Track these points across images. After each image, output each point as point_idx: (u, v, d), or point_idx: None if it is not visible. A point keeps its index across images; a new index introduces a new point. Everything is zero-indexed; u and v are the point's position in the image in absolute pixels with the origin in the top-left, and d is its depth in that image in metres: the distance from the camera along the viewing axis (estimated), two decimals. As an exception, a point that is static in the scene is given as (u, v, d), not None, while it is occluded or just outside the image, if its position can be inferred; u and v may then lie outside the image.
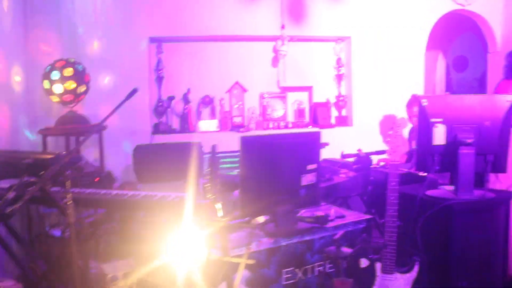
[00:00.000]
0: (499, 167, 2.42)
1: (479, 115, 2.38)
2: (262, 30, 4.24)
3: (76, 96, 3.42)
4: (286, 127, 4.37)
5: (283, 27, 4.20)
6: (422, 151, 2.47)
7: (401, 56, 4.51)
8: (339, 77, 4.55)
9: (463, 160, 2.29)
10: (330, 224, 2.24)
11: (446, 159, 2.39)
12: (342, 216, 2.41)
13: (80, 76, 3.37)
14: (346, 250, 2.22)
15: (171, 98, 4.15)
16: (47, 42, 3.75)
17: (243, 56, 4.39)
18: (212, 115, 4.28)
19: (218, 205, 1.75)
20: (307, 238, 2.14)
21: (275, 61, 4.45)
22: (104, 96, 3.89)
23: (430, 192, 2.44)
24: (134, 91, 1.89)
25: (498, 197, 2.41)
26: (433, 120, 2.41)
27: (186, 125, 4.16)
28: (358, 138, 4.37)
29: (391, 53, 4.49)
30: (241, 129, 4.18)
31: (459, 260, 2.27)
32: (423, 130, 2.44)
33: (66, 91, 3.34)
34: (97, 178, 3.53)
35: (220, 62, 4.35)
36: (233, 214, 2.30)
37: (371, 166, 3.48)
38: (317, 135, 2.36)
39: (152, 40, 4.07)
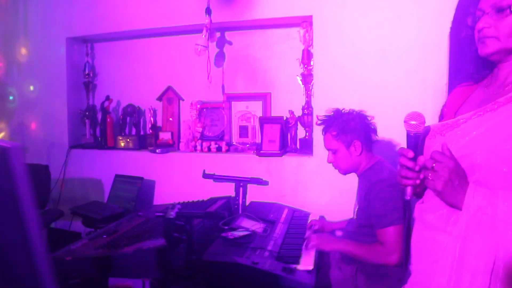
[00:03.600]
0: None
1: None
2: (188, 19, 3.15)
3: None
4: (219, 149, 3.17)
5: (208, 11, 3.00)
6: None
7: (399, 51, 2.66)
8: (306, 79, 3.02)
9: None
10: None
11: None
12: None
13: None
14: None
15: (91, 108, 3.54)
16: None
17: (180, 54, 3.39)
18: (136, 129, 3.46)
19: None
20: None
21: (219, 60, 3.28)
22: (27, 105, 3.62)
23: None
24: None
25: None
26: None
27: (104, 140, 3.48)
28: (317, 177, 2.83)
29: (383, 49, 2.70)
30: (158, 150, 3.23)
31: None
32: None
33: None
34: None
35: (154, 64, 3.47)
36: None
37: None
38: None
39: (76, 40, 3.54)
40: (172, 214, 1.92)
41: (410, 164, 1.20)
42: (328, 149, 2.13)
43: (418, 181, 1.21)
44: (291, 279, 1.71)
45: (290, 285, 1.72)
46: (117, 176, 3.30)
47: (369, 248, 1.92)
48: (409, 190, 1.24)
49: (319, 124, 2.16)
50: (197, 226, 2.21)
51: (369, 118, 2.12)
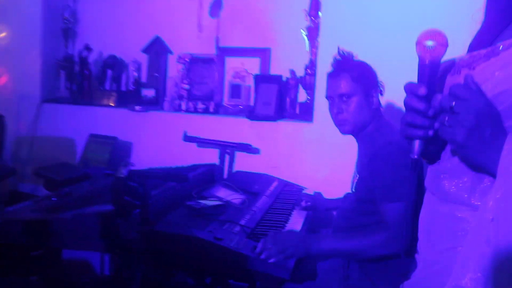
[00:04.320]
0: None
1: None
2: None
3: None
4: (207, 110, 2.75)
5: None
6: None
7: None
8: (312, 34, 2.57)
9: None
10: None
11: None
12: None
13: None
14: None
15: (69, 58, 3.13)
16: None
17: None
18: (117, 84, 3.05)
19: None
20: None
21: (216, 8, 2.84)
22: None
23: None
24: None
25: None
26: None
27: (80, 95, 3.08)
28: (317, 147, 2.41)
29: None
30: (137, 108, 2.82)
31: None
32: None
33: None
34: None
35: (142, 11, 3.04)
36: None
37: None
38: None
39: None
40: (123, 172, 1.52)
41: (420, 105, 0.77)
42: (340, 94, 1.62)
43: (431, 132, 0.78)
44: (262, 261, 1.30)
45: (261, 269, 1.31)
46: (91, 135, 2.91)
47: (365, 236, 1.45)
48: (417, 145, 0.80)
49: (336, 62, 1.68)
50: (165, 192, 1.80)
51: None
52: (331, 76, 1.65)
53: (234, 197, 1.84)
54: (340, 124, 1.64)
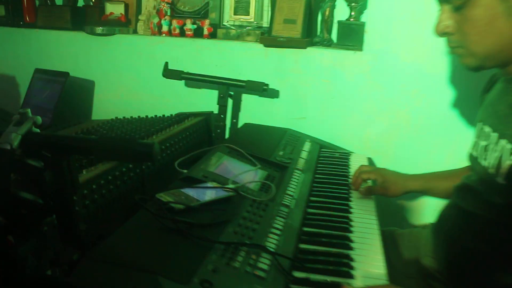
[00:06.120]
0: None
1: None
2: None
3: None
4: (199, 33, 1.87)
5: None
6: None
7: None
8: None
9: None
10: None
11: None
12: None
13: None
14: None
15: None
16: None
17: None
18: (69, -3, 2.14)
19: None
20: None
21: None
22: None
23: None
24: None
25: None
26: None
27: (19, 14, 2.18)
28: (367, 88, 1.57)
29: None
30: (99, 30, 1.94)
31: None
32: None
33: None
34: None
35: None
36: None
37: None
38: None
39: None
40: (10, 139, 0.69)
41: None
42: None
43: None
44: None
45: None
46: (37, 71, 2.06)
47: None
48: None
49: None
50: (112, 174, 0.97)
51: None
52: None
53: (248, 178, 1.02)
54: (453, 48, 0.81)
